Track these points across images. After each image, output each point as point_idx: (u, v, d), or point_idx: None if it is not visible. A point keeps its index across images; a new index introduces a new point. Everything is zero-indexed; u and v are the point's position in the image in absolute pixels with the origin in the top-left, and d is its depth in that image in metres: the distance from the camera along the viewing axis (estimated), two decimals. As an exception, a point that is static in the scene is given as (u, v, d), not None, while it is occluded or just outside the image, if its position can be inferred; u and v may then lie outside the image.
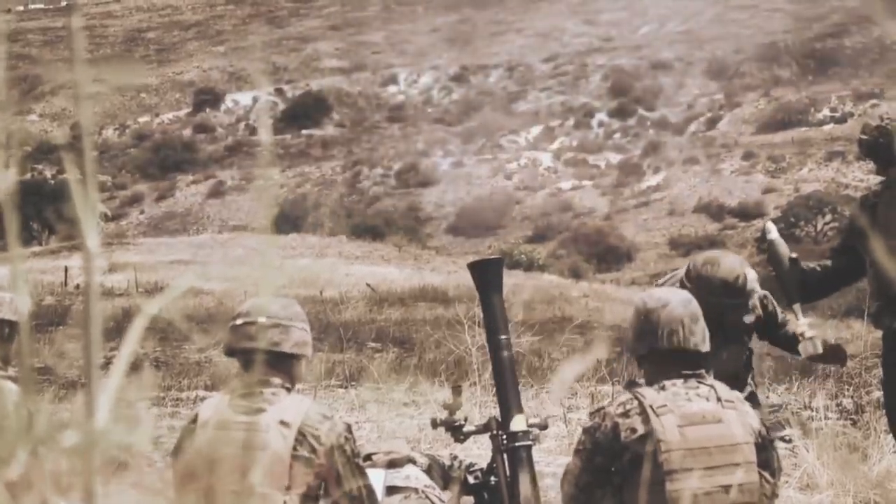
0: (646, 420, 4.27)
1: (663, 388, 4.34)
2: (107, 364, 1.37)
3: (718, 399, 4.34)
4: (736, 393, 4.47)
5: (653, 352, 4.39)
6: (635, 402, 4.32)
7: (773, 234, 6.22)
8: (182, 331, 15.77)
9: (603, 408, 4.42)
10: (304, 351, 4.53)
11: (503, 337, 5.69)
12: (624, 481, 4.30)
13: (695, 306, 4.42)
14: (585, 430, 4.40)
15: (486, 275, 5.87)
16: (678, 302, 4.40)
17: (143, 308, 1.30)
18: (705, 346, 4.41)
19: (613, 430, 4.30)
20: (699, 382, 4.38)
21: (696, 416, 4.28)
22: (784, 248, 6.18)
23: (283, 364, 4.49)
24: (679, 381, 4.36)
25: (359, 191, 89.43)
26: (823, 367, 13.54)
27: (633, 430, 4.28)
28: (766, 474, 4.37)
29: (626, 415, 4.31)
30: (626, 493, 4.28)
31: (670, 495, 4.21)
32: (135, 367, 1.44)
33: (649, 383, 4.38)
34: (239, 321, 4.48)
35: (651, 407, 4.27)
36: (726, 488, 4.26)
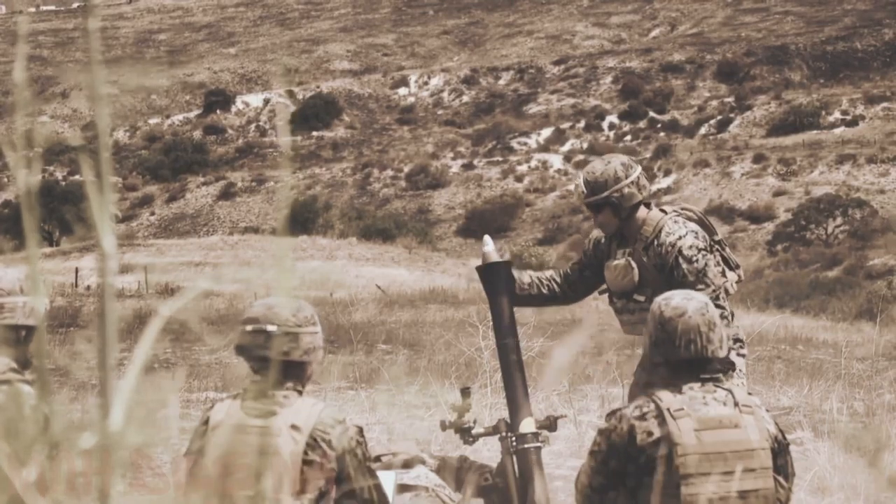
0: (662, 423, 4.25)
1: (680, 391, 4.32)
2: (118, 366, 1.37)
3: (736, 404, 4.32)
4: (754, 398, 4.45)
5: (670, 360, 4.38)
6: (652, 405, 4.30)
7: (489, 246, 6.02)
8: (194, 332, 15.78)
9: (619, 410, 4.41)
10: (314, 357, 4.52)
11: (511, 340, 5.68)
12: (638, 484, 4.28)
13: (712, 313, 4.39)
14: (601, 432, 4.38)
15: (494, 278, 5.86)
16: (695, 310, 4.35)
17: (160, 310, 1.30)
18: (723, 352, 4.38)
19: (629, 432, 4.28)
20: (717, 386, 4.35)
21: (713, 421, 4.26)
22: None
23: (293, 369, 4.48)
24: (696, 385, 4.33)
25: (369, 193, 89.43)
26: (835, 369, 13.51)
27: (650, 434, 4.26)
28: (781, 479, 4.36)
29: (642, 417, 4.29)
30: (641, 495, 4.26)
31: (685, 500, 4.20)
32: (148, 368, 1.44)
33: (666, 387, 4.37)
34: (249, 327, 4.47)
35: (668, 410, 4.25)
36: (742, 494, 4.24)
